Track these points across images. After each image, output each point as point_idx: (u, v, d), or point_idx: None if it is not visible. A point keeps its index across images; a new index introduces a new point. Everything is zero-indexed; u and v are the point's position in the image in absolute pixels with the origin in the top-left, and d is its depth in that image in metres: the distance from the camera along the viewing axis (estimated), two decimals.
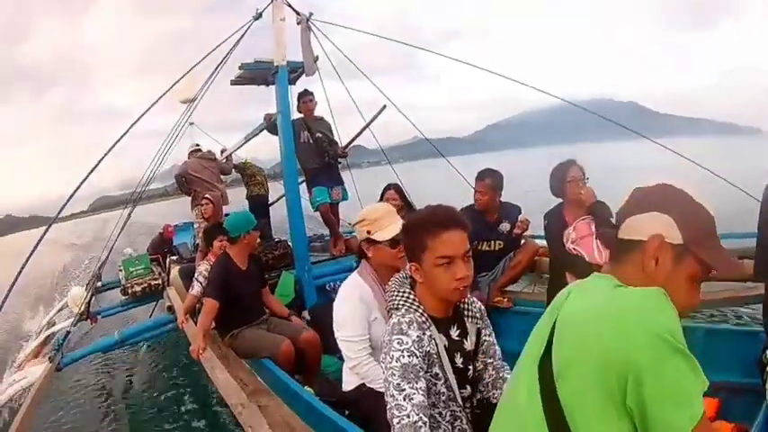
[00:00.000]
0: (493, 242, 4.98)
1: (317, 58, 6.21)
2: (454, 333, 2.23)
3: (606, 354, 1.29)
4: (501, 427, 1.69)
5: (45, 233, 5.01)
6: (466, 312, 2.32)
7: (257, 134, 7.21)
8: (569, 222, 4.21)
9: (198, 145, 9.19)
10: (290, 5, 5.85)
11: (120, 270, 8.24)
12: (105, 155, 5.20)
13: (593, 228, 4.09)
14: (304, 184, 7.04)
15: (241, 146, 8.36)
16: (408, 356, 1.94)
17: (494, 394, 2.35)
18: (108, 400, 6.29)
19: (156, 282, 7.82)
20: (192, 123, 9.58)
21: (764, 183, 2.47)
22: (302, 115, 6.89)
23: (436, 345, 2.11)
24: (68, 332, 6.08)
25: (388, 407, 1.88)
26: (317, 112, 7.15)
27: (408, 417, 1.81)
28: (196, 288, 5.30)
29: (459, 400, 2.18)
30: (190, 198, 8.16)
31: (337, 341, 2.99)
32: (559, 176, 4.29)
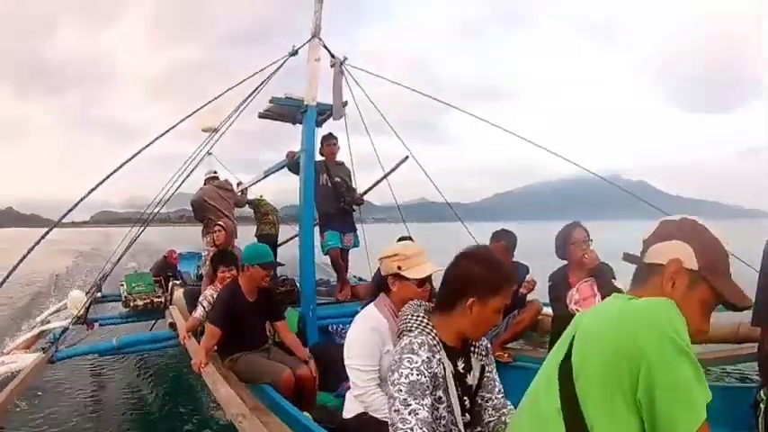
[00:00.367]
0: None
1: (345, 103, 6.28)
2: (460, 365, 2.28)
3: (618, 346, 1.40)
4: (519, 426, 1.76)
5: (47, 233, 5.07)
6: (473, 348, 2.37)
7: (277, 171, 7.27)
8: (573, 284, 4.29)
9: (215, 172, 9.21)
10: (326, 47, 5.97)
11: (122, 285, 8.20)
12: (118, 168, 5.29)
13: (595, 289, 4.17)
14: (316, 226, 6.94)
15: (259, 180, 8.43)
16: (417, 375, 1.98)
17: None
18: (95, 405, 6.22)
19: (159, 299, 7.79)
20: (210, 153, 9.67)
21: None
22: (323, 158, 6.94)
23: (444, 368, 2.15)
24: (66, 328, 6.09)
25: (392, 422, 1.91)
26: (338, 158, 7.22)
27: (412, 430, 1.84)
28: (199, 311, 5.33)
29: (461, 426, 2.21)
30: (202, 225, 8.17)
31: (347, 368, 3.00)
32: (563, 238, 4.38)
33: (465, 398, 2.29)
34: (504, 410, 2.43)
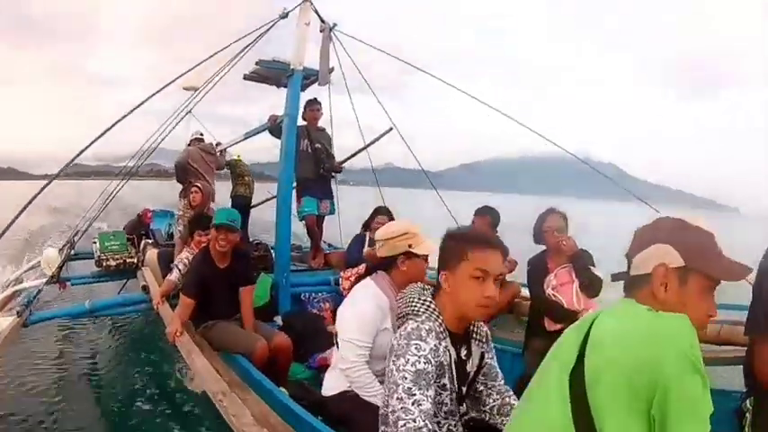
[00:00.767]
0: None
1: (332, 69, 6.22)
2: (462, 353, 2.27)
3: (638, 364, 1.41)
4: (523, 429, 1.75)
5: (43, 189, 4.97)
6: (474, 335, 2.36)
7: (258, 133, 7.20)
8: (551, 269, 4.29)
9: (201, 134, 9.20)
10: (316, 11, 5.88)
11: (95, 242, 8.12)
12: (115, 124, 5.20)
13: (573, 275, 4.17)
14: (294, 192, 6.96)
15: (239, 142, 8.35)
16: (424, 363, 1.96)
17: (501, 421, 2.37)
18: (68, 369, 6.15)
19: (132, 260, 7.71)
20: (189, 112, 9.56)
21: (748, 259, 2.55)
22: (305, 123, 6.88)
23: (449, 356, 2.14)
24: (40, 290, 6.00)
25: (392, 409, 1.89)
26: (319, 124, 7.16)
27: (414, 422, 1.82)
28: (174, 274, 5.27)
29: (459, 414, 2.23)
30: (181, 187, 8.13)
31: (340, 341, 2.97)
32: (539, 225, 4.36)
33: (462, 387, 2.29)
34: (507, 394, 2.45)
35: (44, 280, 6.57)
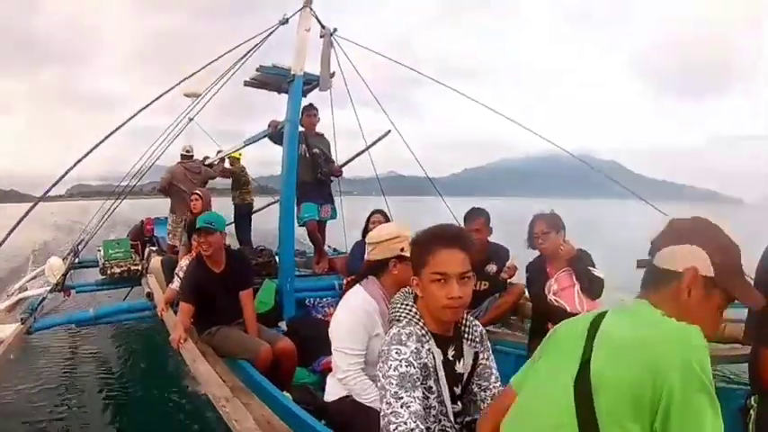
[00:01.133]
0: (478, 282, 4.95)
1: (332, 75, 6.22)
2: (450, 353, 2.26)
3: (645, 373, 1.39)
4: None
5: (32, 208, 5.02)
6: (465, 335, 2.35)
7: (259, 140, 7.20)
8: (550, 274, 4.27)
9: (188, 150, 9.25)
10: (316, 17, 5.89)
11: (99, 250, 8.17)
12: (104, 140, 5.22)
13: (574, 279, 4.14)
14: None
15: (240, 149, 8.37)
16: (406, 366, 1.97)
17: None
18: (73, 376, 6.17)
19: (136, 267, 7.73)
20: (191, 119, 9.60)
21: (753, 249, 2.55)
22: (303, 129, 6.87)
23: (434, 358, 2.15)
24: (44, 298, 6.03)
25: (383, 414, 1.89)
26: (318, 129, 7.19)
27: (405, 424, 1.82)
28: (176, 282, 5.31)
29: (452, 416, 2.23)
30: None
31: (332, 350, 2.97)
32: (529, 231, 4.34)
33: (455, 387, 2.28)
34: None
35: (48, 288, 6.59)
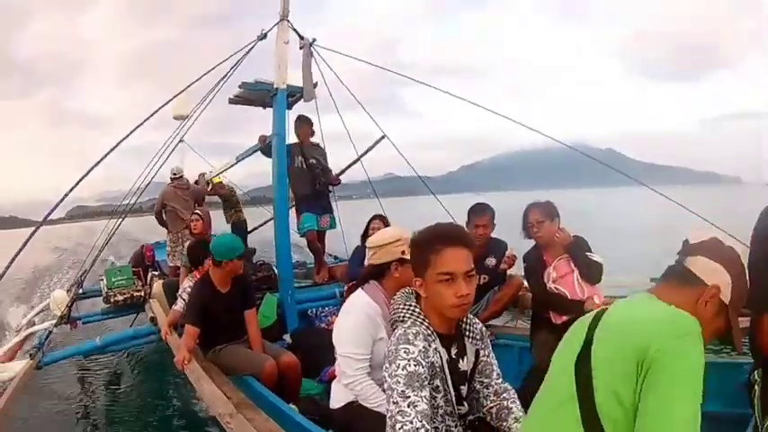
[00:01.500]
0: (479, 276, 4.95)
1: (316, 85, 6.20)
2: (453, 351, 2.27)
3: (633, 345, 1.50)
4: (537, 421, 1.82)
5: (33, 234, 5.02)
6: (467, 333, 2.36)
7: (249, 155, 7.21)
8: (548, 262, 4.26)
9: (176, 173, 9.28)
10: (294, 29, 5.88)
11: (102, 279, 8.18)
12: (99, 162, 5.22)
13: (572, 265, 4.14)
14: (292, 209, 6.98)
15: (231, 166, 8.39)
16: (414, 365, 1.97)
17: (501, 425, 2.37)
18: (85, 405, 6.20)
19: (139, 293, 7.72)
20: (182, 141, 9.63)
21: (749, 229, 2.56)
22: (299, 140, 6.88)
23: (440, 357, 2.15)
24: (50, 331, 6.07)
25: (390, 414, 1.91)
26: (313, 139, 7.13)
27: (411, 423, 1.84)
28: (179, 304, 5.29)
29: (457, 415, 2.24)
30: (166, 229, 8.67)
31: (337, 356, 2.98)
32: (523, 221, 4.33)
33: (461, 387, 2.30)
34: (505, 395, 2.43)
35: (54, 321, 6.61)
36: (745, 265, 1.77)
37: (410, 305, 2.25)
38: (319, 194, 7.05)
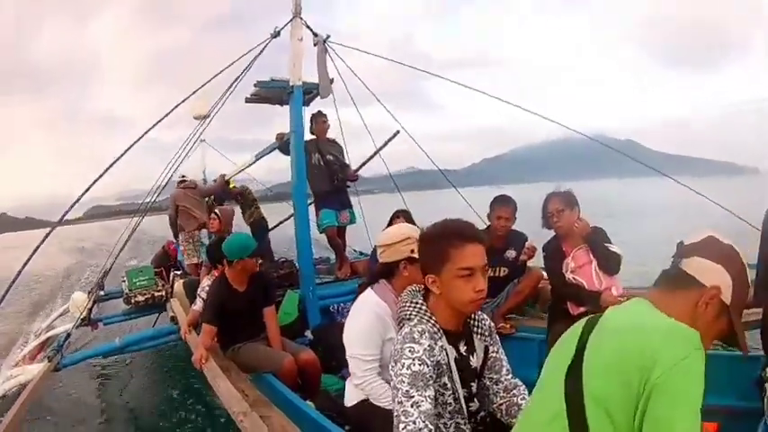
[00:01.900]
0: (498, 269, 4.96)
1: (332, 81, 6.18)
2: (462, 348, 2.26)
3: (633, 362, 1.44)
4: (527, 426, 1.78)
5: (48, 234, 5.09)
6: (475, 329, 2.34)
7: (268, 153, 7.21)
8: (567, 252, 4.23)
9: (184, 177, 9.38)
10: (308, 26, 5.86)
11: (124, 280, 8.24)
12: (116, 161, 5.31)
13: (591, 256, 4.11)
14: (312, 205, 6.98)
15: (251, 165, 8.39)
16: (419, 365, 1.96)
17: (510, 422, 2.35)
18: (104, 405, 6.28)
19: (160, 293, 7.80)
20: (203, 140, 9.69)
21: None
22: (315, 137, 6.88)
23: (447, 355, 2.13)
24: (69, 334, 6.10)
25: (395, 414, 1.90)
26: (329, 135, 7.15)
27: (414, 423, 1.83)
28: (198, 303, 5.31)
29: (466, 412, 2.21)
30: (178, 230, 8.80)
31: (346, 357, 2.98)
32: (543, 210, 4.30)
33: (471, 384, 2.29)
34: (515, 391, 2.41)
35: (73, 324, 6.66)
36: (747, 271, 1.69)
37: (416, 302, 2.23)
38: (338, 190, 7.05)
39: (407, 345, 2.03)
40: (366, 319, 2.92)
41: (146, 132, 5.52)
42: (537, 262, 5.02)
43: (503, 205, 4.94)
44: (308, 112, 6.58)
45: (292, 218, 9.89)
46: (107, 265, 8.25)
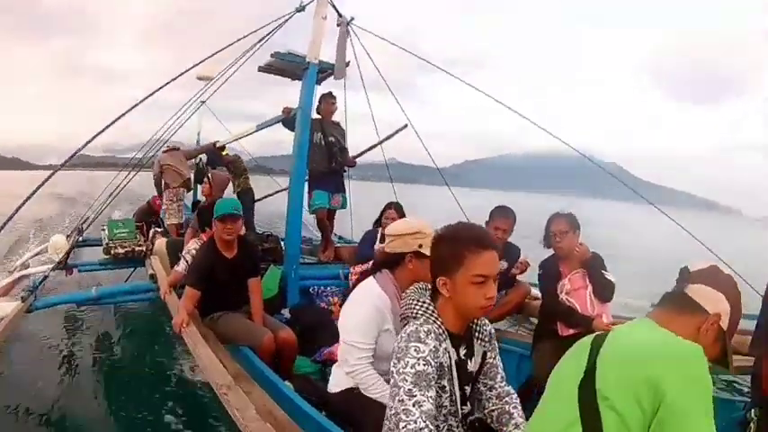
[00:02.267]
0: None
1: (348, 64, 6.16)
2: (462, 352, 2.25)
3: (645, 383, 1.49)
4: None
5: (49, 178, 5.02)
6: (476, 334, 2.34)
7: (271, 125, 7.17)
8: (564, 273, 4.25)
9: (170, 146, 9.49)
10: (333, 5, 5.82)
11: (104, 229, 8.16)
12: (124, 114, 5.23)
13: (587, 280, 4.13)
14: (305, 184, 6.90)
15: (251, 133, 8.34)
16: (423, 365, 1.96)
17: (501, 430, 2.36)
18: (74, 356, 6.14)
19: (141, 248, 7.71)
20: (203, 102, 9.61)
21: (749, 264, 2.61)
22: (320, 116, 6.87)
23: (449, 357, 2.14)
24: (45, 276, 6.04)
25: (394, 411, 1.88)
26: (334, 118, 7.14)
27: (415, 423, 1.83)
28: (182, 265, 5.23)
29: (460, 415, 2.23)
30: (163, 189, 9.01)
31: (341, 343, 2.96)
32: (546, 229, 4.31)
33: (466, 387, 2.28)
34: (507, 399, 2.42)
35: (51, 266, 6.58)
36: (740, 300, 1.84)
37: (424, 302, 2.21)
38: (334, 173, 7.07)
39: (413, 344, 2.01)
40: (367, 311, 2.90)
41: (151, 94, 5.48)
42: (526, 277, 5.04)
43: (502, 217, 4.93)
44: (318, 91, 6.53)
45: (278, 193, 9.87)
46: (89, 215, 8.16)
